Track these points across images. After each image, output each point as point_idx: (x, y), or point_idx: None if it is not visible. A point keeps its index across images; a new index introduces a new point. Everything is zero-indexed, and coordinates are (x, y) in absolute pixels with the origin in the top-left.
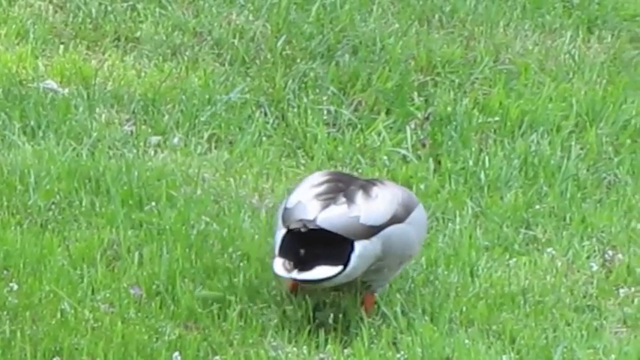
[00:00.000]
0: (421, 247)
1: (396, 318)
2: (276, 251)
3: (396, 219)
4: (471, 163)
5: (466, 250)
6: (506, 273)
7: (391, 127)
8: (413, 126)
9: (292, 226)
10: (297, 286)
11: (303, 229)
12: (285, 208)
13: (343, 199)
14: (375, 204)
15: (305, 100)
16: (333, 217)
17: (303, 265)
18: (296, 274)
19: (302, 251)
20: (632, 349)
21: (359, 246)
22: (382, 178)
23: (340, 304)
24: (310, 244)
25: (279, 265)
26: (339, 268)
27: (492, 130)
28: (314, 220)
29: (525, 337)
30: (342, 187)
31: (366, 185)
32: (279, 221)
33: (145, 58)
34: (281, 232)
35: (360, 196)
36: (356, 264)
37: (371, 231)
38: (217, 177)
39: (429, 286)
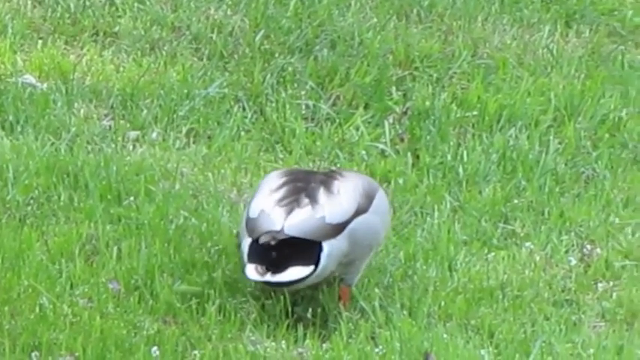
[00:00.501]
0: (388, 230)
1: (375, 312)
2: (245, 259)
3: (359, 211)
4: (449, 157)
5: (444, 244)
6: (485, 267)
7: (369, 122)
8: (391, 120)
9: (262, 240)
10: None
11: (273, 242)
12: (249, 218)
13: (306, 200)
14: (338, 200)
15: (283, 94)
16: (300, 222)
17: (275, 267)
18: (270, 277)
19: (274, 254)
20: (610, 344)
21: (327, 246)
22: (339, 168)
23: (319, 299)
24: (279, 247)
25: (252, 270)
26: (311, 268)
27: (471, 125)
28: (281, 230)
29: (504, 332)
30: (301, 186)
31: (326, 180)
32: (244, 231)
33: (124, 52)
34: (247, 240)
35: (322, 194)
36: (326, 263)
37: (337, 229)
38: (196, 171)
39: (408, 280)
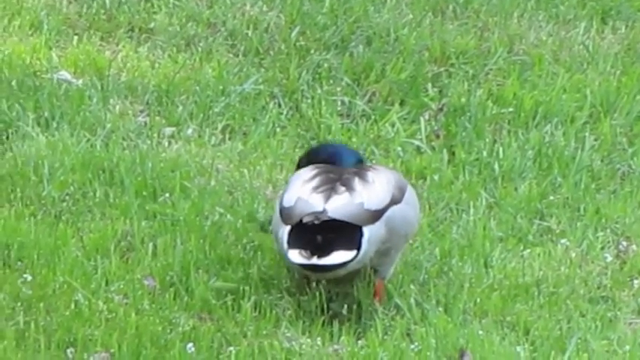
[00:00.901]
0: (419, 224)
1: (410, 309)
2: (285, 245)
3: (394, 200)
4: (485, 154)
5: (480, 241)
6: (521, 264)
7: (405, 118)
8: (427, 117)
9: (306, 220)
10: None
11: (316, 222)
12: (283, 207)
13: (342, 188)
14: (374, 188)
15: (319, 91)
16: (340, 206)
17: (320, 251)
18: (316, 260)
19: (319, 238)
20: None
21: (367, 231)
22: (371, 163)
23: (354, 295)
24: (319, 233)
25: (296, 255)
26: (354, 252)
27: (506, 121)
28: (324, 212)
29: (539, 328)
30: (334, 177)
31: (359, 172)
32: (278, 220)
33: (159, 49)
34: (285, 228)
35: (357, 182)
36: (366, 248)
37: (375, 215)
38: (231, 168)
39: (443, 277)
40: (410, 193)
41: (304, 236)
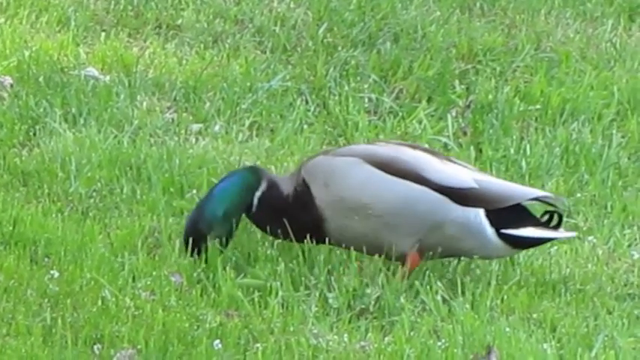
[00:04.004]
0: None
1: (437, 306)
2: (489, 228)
3: None
4: (512, 151)
5: None
6: (547, 261)
7: (432, 115)
8: (454, 114)
9: (561, 204)
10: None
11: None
12: (461, 189)
13: (473, 169)
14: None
15: (346, 87)
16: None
17: (555, 226)
18: (567, 233)
19: (557, 215)
20: None
21: None
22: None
23: (381, 292)
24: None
25: (534, 231)
26: None
27: (533, 118)
28: (551, 193)
29: (566, 326)
30: (437, 157)
31: (435, 154)
32: (439, 202)
33: (187, 45)
34: (475, 211)
35: (459, 162)
36: None
37: None
38: (258, 164)
39: (470, 274)
40: None
41: (517, 215)
